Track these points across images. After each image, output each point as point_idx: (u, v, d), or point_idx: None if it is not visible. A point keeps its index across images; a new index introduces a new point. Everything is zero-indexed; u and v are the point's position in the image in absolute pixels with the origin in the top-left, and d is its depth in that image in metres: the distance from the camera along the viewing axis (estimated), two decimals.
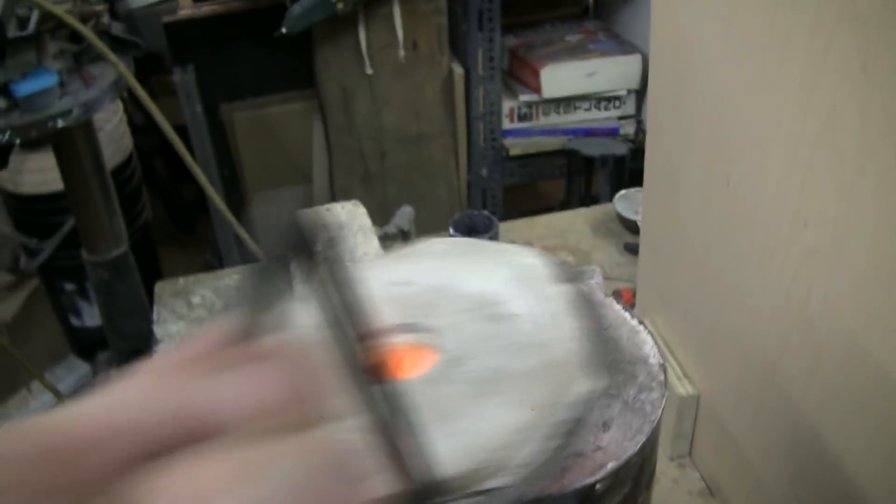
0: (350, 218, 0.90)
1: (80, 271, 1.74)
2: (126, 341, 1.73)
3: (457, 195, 2.56)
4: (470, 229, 1.31)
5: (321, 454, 0.29)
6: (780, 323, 0.78)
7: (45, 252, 2.12)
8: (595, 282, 0.59)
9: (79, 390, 2.29)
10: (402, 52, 2.31)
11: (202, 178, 1.82)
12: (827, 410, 0.74)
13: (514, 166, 2.50)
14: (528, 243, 1.53)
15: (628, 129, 2.43)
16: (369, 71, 2.31)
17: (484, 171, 2.49)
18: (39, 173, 2.08)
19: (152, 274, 1.66)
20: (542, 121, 2.45)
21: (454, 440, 0.42)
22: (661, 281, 1.07)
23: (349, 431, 0.29)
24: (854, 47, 0.61)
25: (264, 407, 0.30)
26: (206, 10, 2.40)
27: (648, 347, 0.53)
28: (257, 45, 2.42)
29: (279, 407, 0.30)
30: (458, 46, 2.40)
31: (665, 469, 1.02)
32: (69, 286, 2.24)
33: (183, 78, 2.28)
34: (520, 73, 2.45)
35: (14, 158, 2.10)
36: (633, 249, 1.47)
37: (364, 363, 0.30)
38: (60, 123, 1.38)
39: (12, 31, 1.33)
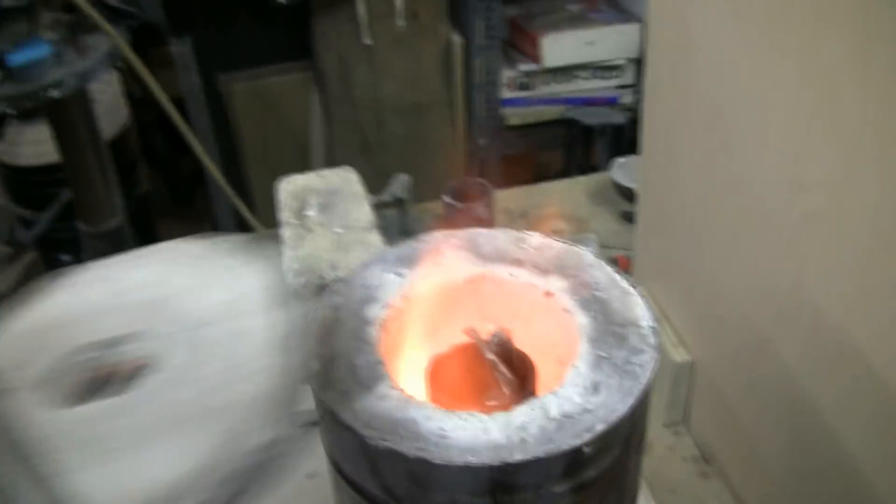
0: (343, 184, 0.89)
1: (78, 243, 1.73)
2: None
3: (455, 165, 2.55)
4: (464, 196, 1.30)
5: None
6: (777, 289, 0.77)
7: (42, 224, 2.11)
8: (591, 250, 0.58)
9: None
10: (400, 22, 2.29)
11: (199, 150, 1.81)
12: (823, 377, 0.74)
13: (512, 136, 2.49)
14: (524, 212, 1.52)
15: (627, 98, 2.42)
16: (368, 41, 2.29)
17: (482, 141, 2.48)
18: (35, 145, 2.06)
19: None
20: (542, 90, 2.44)
21: (113, 482, 0.39)
22: (658, 248, 1.06)
23: None
24: (854, 11, 0.60)
25: None
26: None
27: (640, 310, 0.52)
28: (255, 15, 2.40)
29: None
30: (457, 16, 2.38)
31: (659, 436, 1.02)
32: (66, 258, 2.23)
33: (180, 49, 2.26)
34: (519, 43, 2.44)
35: (10, 130, 2.09)
36: (630, 218, 1.46)
37: None
38: (54, 94, 1.37)
39: (5, 1, 1.31)
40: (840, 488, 0.74)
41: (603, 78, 2.43)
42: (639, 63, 2.40)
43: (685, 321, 1.00)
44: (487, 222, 1.30)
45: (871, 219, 0.63)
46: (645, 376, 0.47)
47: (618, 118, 2.24)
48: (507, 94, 2.44)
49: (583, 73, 2.42)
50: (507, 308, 0.58)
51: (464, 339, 0.55)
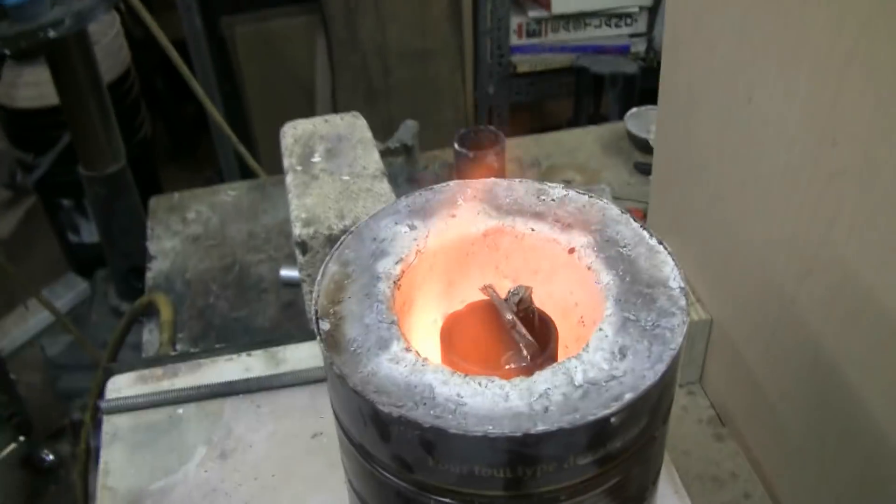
0: (349, 130, 0.85)
1: (78, 187, 1.70)
2: (125, 258, 1.70)
3: (463, 113, 2.51)
4: (475, 145, 1.26)
5: None
6: (803, 248, 0.74)
7: (42, 167, 2.08)
8: (604, 200, 0.55)
9: (77, 307, 2.28)
10: None
11: (201, 94, 1.78)
12: (848, 340, 0.71)
13: (521, 83, 2.45)
14: (535, 161, 1.49)
15: (639, 46, 2.38)
16: None
17: (490, 89, 2.44)
18: (35, 87, 2.03)
19: (152, 192, 1.62)
20: (551, 37, 2.40)
21: None
22: (674, 202, 1.03)
23: None
24: None
25: None
26: None
27: (669, 269, 0.49)
28: None
29: None
30: None
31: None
32: (67, 202, 2.21)
33: None
34: None
35: (9, 72, 2.05)
36: (643, 169, 1.43)
37: None
38: (52, 34, 1.33)
39: None
40: (861, 454, 0.72)
41: (615, 26, 2.38)
42: (651, 11, 2.35)
43: (702, 278, 0.97)
44: (499, 172, 1.27)
45: None
46: (675, 341, 0.44)
47: (629, 67, 2.18)
48: (515, 40, 2.39)
49: (594, 21, 2.38)
50: (527, 264, 0.54)
51: (480, 297, 0.51)
